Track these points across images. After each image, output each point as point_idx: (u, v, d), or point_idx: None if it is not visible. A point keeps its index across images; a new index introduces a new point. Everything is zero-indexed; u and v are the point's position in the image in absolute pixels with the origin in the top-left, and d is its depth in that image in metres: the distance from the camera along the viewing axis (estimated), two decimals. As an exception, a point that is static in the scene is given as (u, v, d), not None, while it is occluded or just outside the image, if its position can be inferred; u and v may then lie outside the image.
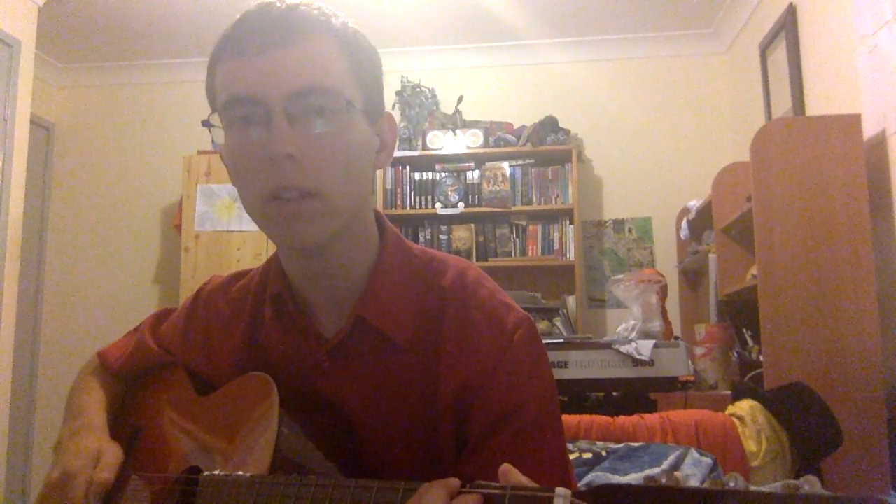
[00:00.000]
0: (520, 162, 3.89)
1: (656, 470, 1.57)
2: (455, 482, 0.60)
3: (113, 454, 0.88)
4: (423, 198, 3.91)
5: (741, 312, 2.99)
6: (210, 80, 0.80)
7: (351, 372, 0.83)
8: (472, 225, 3.89)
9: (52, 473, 0.87)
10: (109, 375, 1.04)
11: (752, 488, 0.42)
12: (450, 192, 3.88)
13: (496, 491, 0.54)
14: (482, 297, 0.84)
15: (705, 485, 0.43)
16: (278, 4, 0.76)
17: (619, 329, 2.62)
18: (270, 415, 0.77)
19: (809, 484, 0.39)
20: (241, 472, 0.73)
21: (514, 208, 3.84)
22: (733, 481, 0.42)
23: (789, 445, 1.90)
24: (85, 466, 0.85)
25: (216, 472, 0.77)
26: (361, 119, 0.79)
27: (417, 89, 4.10)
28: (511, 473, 0.58)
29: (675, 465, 1.64)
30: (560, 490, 0.51)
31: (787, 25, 3.04)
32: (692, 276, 3.79)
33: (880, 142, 2.34)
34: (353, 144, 0.77)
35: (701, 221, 3.47)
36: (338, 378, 0.84)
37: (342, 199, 0.76)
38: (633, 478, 1.59)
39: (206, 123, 0.78)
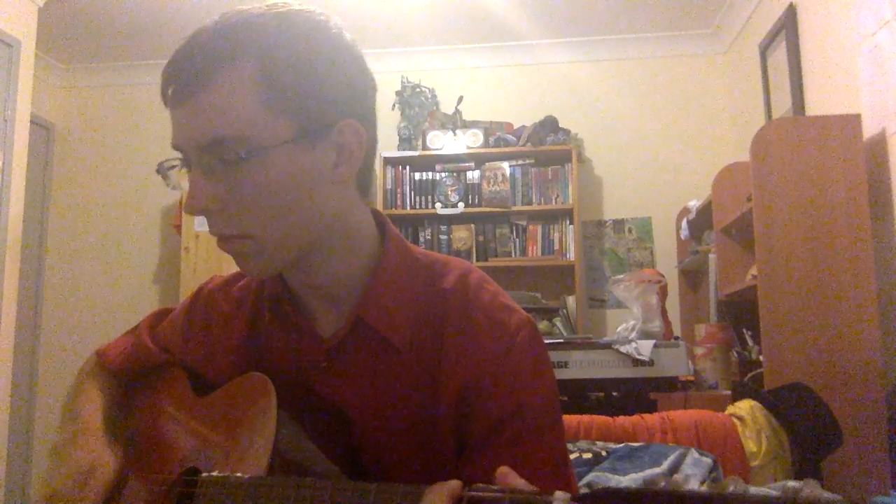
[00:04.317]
0: (520, 162, 3.89)
1: (656, 470, 1.57)
2: (457, 485, 0.59)
3: (104, 471, 0.87)
4: (423, 198, 3.91)
5: (741, 312, 2.99)
6: None
7: (349, 373, 0.83)
8: (472, 225, 3.89)
9: (44, 490, 0.86)
10: (108, 375, 1.03)
11: (752, 489, 0.42)
12: (450, 192, 3.88)
13: (495, 494, 0.54)
14: (484, 300, 0.84)
15: (704, 485, 0.43)
16: (207, 32, 0.76)
17: (619, 329, 2.63)
18: (268, 415, 0.77)
19: (810, 487, 0.39)
20: (239, 474, 0.73)
21: (514, 208, 3.84)
22: (733, 485, 0.42)
23: (789, 445, 1.90)
24: (73, 489, 0.84)
25: (214, 474, 0.77)
26: (289, 150, 0.74)
27: (417, 89, 4.11)
28: (509, 476, 0.57)
29: (676, 465, 1.64)
30: (559, 494, 0.51)
31: (787, 25, 3.04)
32: (692, 276, 3.79)
33: (880, 142, 2.34)
34: (275, 183, 0.73)
35: (701, 221, 3.47)
36: (335, 379, 0.84)
37: (275, 238, 0.76)
38: (634, 478, 1.59)
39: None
